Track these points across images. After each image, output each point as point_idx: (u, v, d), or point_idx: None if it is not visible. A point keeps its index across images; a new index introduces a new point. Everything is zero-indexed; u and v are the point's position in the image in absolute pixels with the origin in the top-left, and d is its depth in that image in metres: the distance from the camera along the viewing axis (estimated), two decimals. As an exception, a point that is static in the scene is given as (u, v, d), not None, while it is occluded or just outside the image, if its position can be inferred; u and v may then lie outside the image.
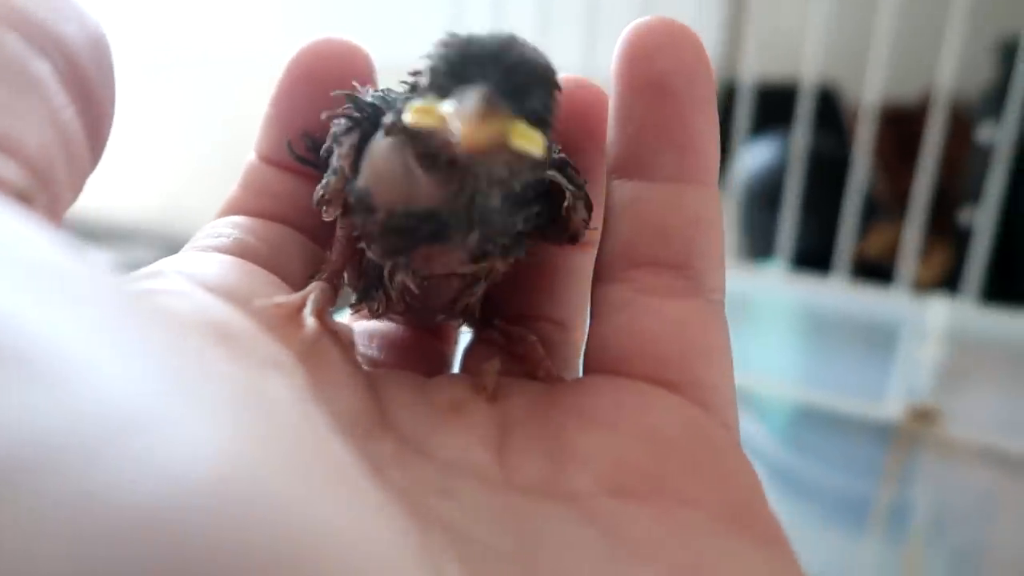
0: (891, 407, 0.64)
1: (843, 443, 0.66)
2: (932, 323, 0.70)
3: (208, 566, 0.08)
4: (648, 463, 0.16)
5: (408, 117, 0.17)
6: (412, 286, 0.19)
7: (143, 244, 1.46)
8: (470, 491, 0.15)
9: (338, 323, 0.18)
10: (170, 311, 0.13)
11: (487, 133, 0.15)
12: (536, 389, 0.19)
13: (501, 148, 0.16)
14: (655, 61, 0.18)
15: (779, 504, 0.66)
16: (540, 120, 0.17)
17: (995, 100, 0.78)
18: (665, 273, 0.19)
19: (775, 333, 0.82)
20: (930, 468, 0.63)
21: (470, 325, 0.22)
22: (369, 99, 0.19)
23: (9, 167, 0.13)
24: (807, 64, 0.74)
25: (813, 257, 0.81)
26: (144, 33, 1.32)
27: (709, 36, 0.96)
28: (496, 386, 0.18)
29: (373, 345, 0.23)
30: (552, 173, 0.19)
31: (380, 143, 0.18)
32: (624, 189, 0.19)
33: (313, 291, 0.18)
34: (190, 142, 1.47)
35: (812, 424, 0.67)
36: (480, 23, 0.92)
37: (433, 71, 0.17)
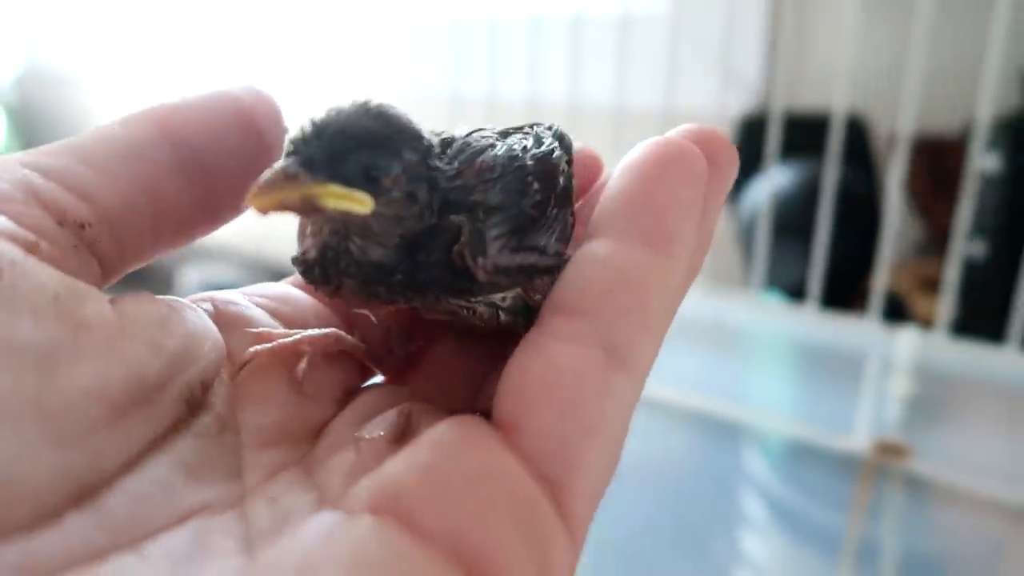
0: (858, 440, 0.63)
1: (825, 476, 0.65)
2: (901, 355, 0.69)
3: None
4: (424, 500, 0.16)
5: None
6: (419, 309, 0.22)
7: (225, 263, 1.62)
8: (287, 503, 0.17)
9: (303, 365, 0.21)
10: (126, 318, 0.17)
11: (271, 199, 0.18)
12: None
13: (309, 210, 0.19)
14: (639, 155, 0.20)
15: (770, 535, 0.65)
16: (367, 180, 0.19)
17: (1004, 128, 0.75)
18: (575, 320, 0.18)
19: (759, 362, 0.81)
20: (899, 505, 0.61)
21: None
22: None
23: (77, 205, 0.18)
24: (834, 95, 0.72)
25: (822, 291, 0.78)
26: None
27: (747, 64, 0.94)
28: (404, 427, 0.19)
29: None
30: (455, 218, 0.20)
31: None
32: (581, 246, 0.20)
33: (301, 334, 0.21)
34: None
35: (799, 456, 0.66)
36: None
37: (286, 144, 0.19)
